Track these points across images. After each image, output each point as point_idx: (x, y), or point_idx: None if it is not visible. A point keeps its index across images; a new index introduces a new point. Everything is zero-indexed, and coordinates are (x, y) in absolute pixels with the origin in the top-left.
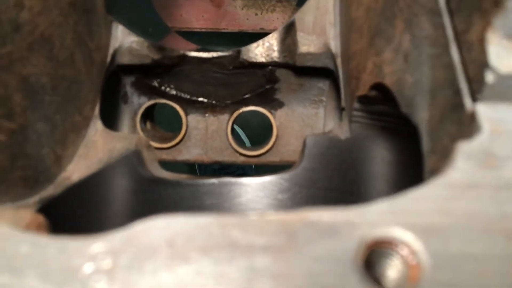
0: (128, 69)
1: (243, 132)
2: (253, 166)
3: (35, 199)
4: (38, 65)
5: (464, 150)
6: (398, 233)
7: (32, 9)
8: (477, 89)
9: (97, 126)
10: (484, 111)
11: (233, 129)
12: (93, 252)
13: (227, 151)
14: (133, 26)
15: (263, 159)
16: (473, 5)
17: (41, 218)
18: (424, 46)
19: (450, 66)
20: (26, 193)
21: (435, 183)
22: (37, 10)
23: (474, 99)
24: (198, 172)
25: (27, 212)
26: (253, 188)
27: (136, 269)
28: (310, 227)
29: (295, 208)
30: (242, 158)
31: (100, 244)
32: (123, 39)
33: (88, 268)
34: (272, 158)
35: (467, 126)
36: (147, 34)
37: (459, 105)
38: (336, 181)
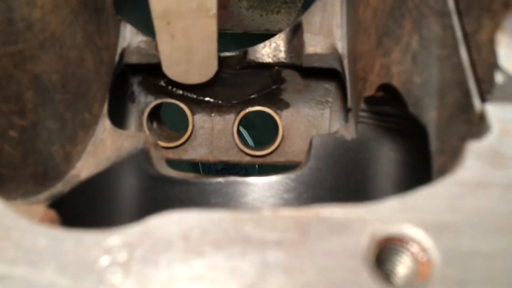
0: (136, 68)
1: (246, 132)
2: (257, 166)
3: (44, 195)
4: (49, 63)
5: (474, 149)
6: (409, 230)
7: (44, 7)
8: (486, 90)
9: (105, 124)
10: (493, 111)
11: (238, 128)
12: (109, 245)
13: (232, 150)
14: (140, 25)
15: (268, 159)
16: (482, 7)
17: (53, 214)
18: (433, 47)
19: (459, 67)
20: (36, 190)
21: (445, 181)
22: (48, 9)
23: (483, 99)
24: (201, 172)
25: (39, 207)
26: (259, 188)
27: (151, 262)
28: (322, 223)
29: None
30: (247, 158)
31: (116, 237)
32: (131, 39)
33: (104, 260)
34: (278, 158)
35: (476, 126)
36: (153, 33)
37: (468, 105)
38: (342, 181)
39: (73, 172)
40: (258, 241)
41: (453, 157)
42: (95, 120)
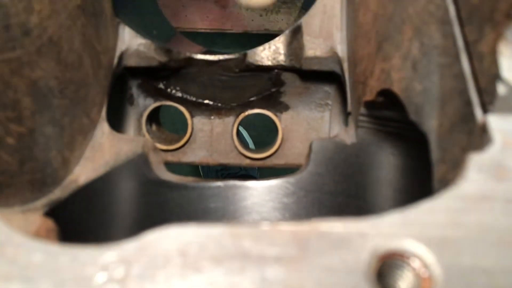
0: (135, 71)
1: (246, 133)
2: (257, 168)
3: (42, 202)
4: (46, 69)
5: (476, 161)
6: (410, 245)
7: (41, 13)
8: (488, 101)
9: (103, 128)
10: (496, 123)
11: (237, 130)
12: (106, 261)
13: (232, 153)
14: (138, 27)
15: (268, 162)
16: (484, 16)
17: (50, 223)
18: (434, 55)
19: (460, 76)
20: (34, 196)
21: (447, 195)
22: (46, 14)
23: (485, 110)
24: (201, 172)
25: (36, 216)
26: (258, 192)
27: (148, 278)
28: (322, 238)
29: (300, 212)
30: (247, 161)
31: (112, 253)
32: (130, 42)
33: (100, 277)
34: (277, 161)
35: (478, 137)
36: (152, 36)
37: (470, 115)
38: (342, 186)
39: (71, 177)
40: (257, 257)
41: (454, 167)
42: (93, 125)
